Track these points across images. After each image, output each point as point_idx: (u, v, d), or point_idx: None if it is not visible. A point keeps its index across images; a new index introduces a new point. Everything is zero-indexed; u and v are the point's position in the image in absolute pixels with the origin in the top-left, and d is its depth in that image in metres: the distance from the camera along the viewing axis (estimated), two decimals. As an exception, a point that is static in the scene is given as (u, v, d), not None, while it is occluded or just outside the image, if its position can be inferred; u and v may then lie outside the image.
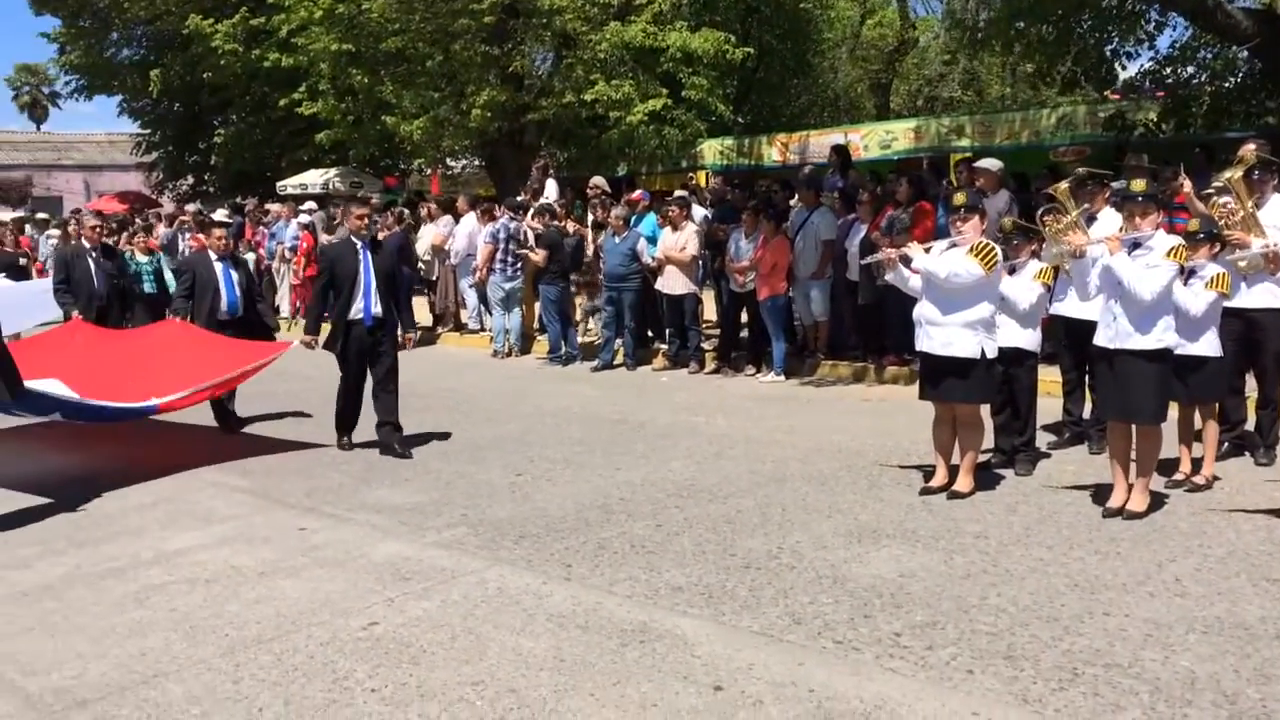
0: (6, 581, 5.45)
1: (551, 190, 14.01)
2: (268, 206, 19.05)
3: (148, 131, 27.23)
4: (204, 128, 25.78)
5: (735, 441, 8.12)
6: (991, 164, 10.18)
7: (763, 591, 4.95)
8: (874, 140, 17.67)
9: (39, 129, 53.80)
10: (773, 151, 19.17)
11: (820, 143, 17.72)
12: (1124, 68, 13.59)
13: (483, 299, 13.83)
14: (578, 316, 13.18)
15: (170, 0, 22.02)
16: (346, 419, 8.16)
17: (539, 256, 12.14)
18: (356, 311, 7.83)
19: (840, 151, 12.94)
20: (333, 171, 22.77)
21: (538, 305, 12.80)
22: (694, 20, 17.07)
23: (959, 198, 6.60)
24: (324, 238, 15.19)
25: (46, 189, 39.05)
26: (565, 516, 6.28)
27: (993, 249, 6.23)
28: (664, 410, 9.50)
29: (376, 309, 7.83)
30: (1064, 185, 6.77)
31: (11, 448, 8.49)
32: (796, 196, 11.42)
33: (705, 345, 11.64)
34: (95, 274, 9.77)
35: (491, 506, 6.55)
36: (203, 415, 8.92)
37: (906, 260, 6.57)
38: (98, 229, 10.34)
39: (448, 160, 21.54)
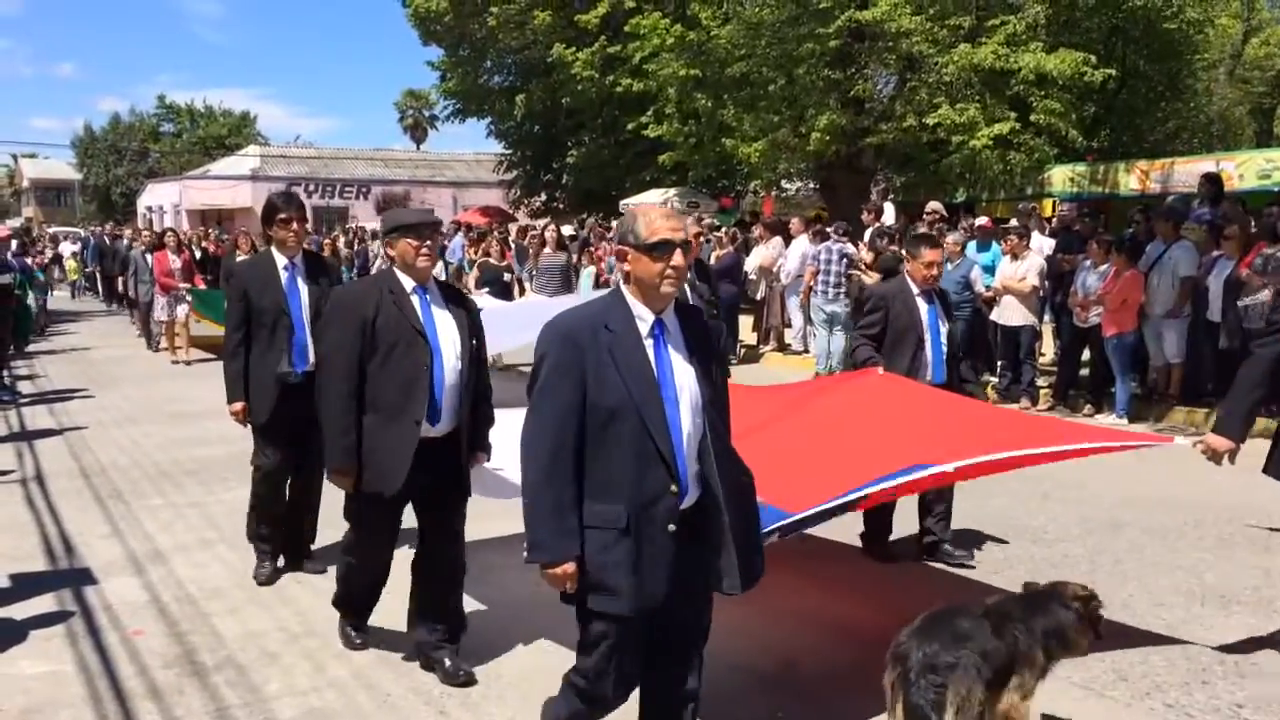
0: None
1: (889, 214, 13.85)
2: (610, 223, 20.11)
3: (510, 151, 29.73)
4: (559, 148, 27.78)
5: (1066, 483, 7.65)
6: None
7: (1086, 643, 4.65)
8: (1251, 170, 16.09)
9: (418, 148, 59.88)
10: (1131, 179, 17.93)
11: (1186, 171, 16.39)
12: None
13: (810, 320, 13.86)
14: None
15: (539, 30, 23.93)
16: None
17: (873, 280, 12.00)
18: None
19: (1212, 180, 11.93)
20: (672, 191, 23.73)
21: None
22: (1051, 41, 16.27)
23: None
24: None
25: (421, 202, 43.25)
26: (878, 542, 6.18)
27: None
28: (990, 445, 9.09)
29: None
30: None
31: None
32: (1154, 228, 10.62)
33: (1040, 381, 11.04)
34: None
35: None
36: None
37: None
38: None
39: (783, 182, 21.87)
